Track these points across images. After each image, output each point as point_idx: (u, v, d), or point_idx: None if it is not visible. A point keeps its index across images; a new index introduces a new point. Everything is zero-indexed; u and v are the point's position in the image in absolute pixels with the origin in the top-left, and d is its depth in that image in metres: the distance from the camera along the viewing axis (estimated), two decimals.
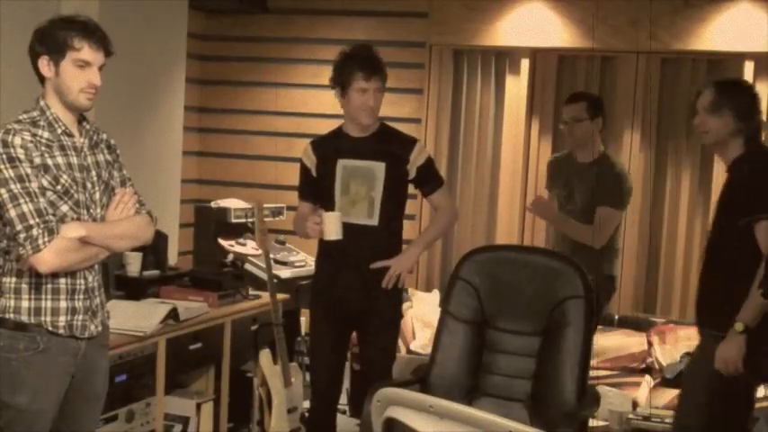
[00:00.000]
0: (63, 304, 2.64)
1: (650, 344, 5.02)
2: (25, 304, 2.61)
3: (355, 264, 3.59)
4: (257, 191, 5.90)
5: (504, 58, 5.71)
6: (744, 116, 3.17)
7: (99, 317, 2.76)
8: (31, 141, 2.55)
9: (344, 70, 3.58)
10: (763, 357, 2.95)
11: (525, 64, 5.61)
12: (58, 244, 2.52)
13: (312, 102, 6.06)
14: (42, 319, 2.61)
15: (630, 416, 4.35)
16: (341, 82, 3.60)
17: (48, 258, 2.51)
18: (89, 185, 2.68)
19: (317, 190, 3.72)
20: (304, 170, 3.77)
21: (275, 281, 4.23)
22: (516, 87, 5.58)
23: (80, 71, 2.60)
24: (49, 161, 2.58)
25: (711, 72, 5.44)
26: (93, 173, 2.70)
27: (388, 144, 3.67)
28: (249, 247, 5.01)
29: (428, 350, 3.38)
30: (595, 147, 4.41)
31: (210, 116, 6.19)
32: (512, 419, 2.03)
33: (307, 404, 4.41)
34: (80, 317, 2.68)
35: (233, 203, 5.06)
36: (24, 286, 2.62)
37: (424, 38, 5.76)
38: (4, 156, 2.51)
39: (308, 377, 4.85)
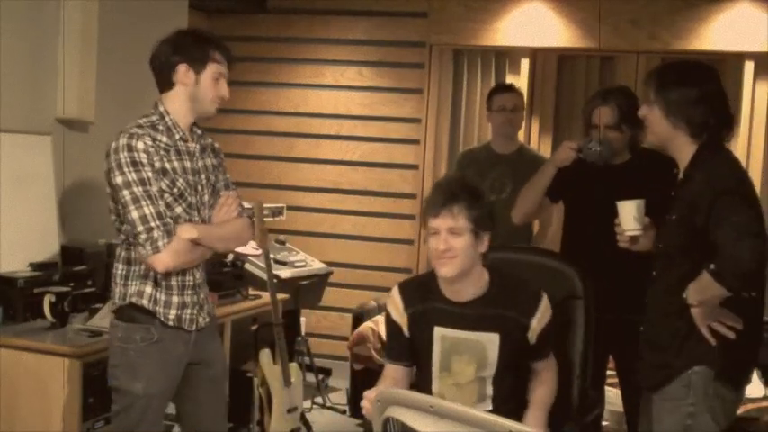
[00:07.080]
0: (175, 299, 2.82)
1: None
2: (149, 290, 2.78)
3: None
4: (257, 191, 5.90)
5: (504, 58, 5.72)
6: None
7: (206, 309, 2.95)
8: (152, 146, 2.71)
9: None
10: None
11: (525, 64, 5.61)
12: (175, 245, 2.69)
13: (312, 102, 6.06)
14: (157, 308, 2.78)
15: None
16: None
17: (165, 259, 2.69)
18: (199, 188, 2.86)
19: (412, 352, 2.77)
20: (392, 325, 2.78)
21: (275, 281, 4.24)
22: None
23: (215, 83, 2.83)
24: (167, 165, 2.75)
25: None
26: (203, 176, 2.88)
27: (500, 308, 2.68)
28: (249, 247, 5.00)
29: None
30: (517, 138, 4.63)
31: None
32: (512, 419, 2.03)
33: (307, 404, 4.41)
34: (188, 311, 2.86)
35: None
36: (146, 274, 2.79)
37: (424, 38, 5.76)
38: (129, 159, 2.67)
39: (308, 377, 4.86)
